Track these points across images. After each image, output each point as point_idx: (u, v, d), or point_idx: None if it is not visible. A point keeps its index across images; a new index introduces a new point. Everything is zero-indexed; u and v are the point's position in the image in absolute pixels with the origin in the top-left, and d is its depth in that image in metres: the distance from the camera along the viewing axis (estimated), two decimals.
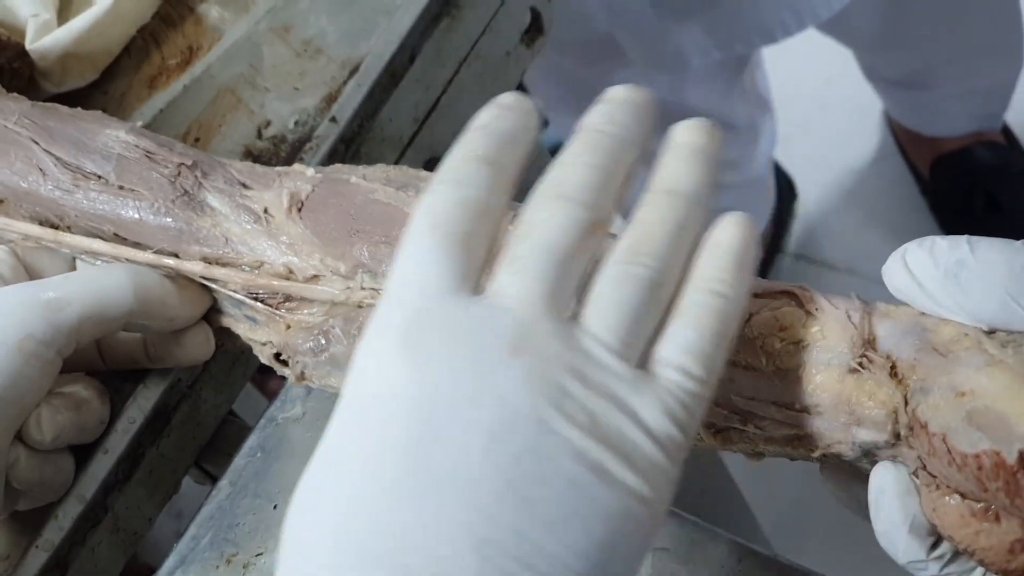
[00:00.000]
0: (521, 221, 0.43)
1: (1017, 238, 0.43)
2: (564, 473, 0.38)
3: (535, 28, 0.76)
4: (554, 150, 1.68)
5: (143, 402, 0.60)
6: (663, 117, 1.40)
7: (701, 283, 0.43)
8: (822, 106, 1.85)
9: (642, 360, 0.41)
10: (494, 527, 0.37)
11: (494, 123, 0.45)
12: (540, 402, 0.39)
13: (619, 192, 0.44)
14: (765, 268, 1.73)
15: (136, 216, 0.57)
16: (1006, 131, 1.70)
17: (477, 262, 0.42)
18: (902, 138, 1.76)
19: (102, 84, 0.72)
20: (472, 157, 0.43)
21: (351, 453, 0.40)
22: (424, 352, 0.40)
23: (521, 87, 0.78)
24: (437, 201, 0.42)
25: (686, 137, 0.45)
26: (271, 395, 0.64)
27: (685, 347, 0.41)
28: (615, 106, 0.45)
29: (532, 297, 0.41)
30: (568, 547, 0.38)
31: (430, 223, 0.42)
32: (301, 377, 0.56)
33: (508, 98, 0.45)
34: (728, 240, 0.43)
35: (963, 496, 0.42)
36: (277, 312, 0.56)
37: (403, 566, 0.37)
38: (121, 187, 0.58)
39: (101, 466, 0.59)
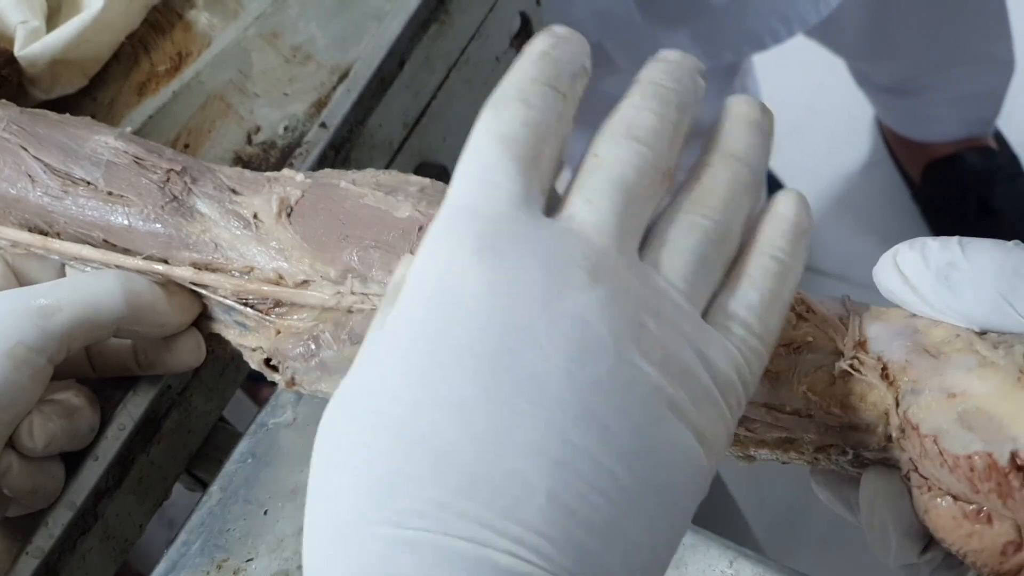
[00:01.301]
0: (593, 154, 0.42)
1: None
2: (642, 405, 0.38)
3: (525, 33, 0.76)
4: None
5: (133, 409, 0.60)
6: None
7: (763, 248, 0.43)
8: (813, 113, 1.85)
9: (704, 312, 0.42)
10: (571, 451, 0.37)
11: (554, 51, 0.44)
12: (619, 331, 0.38)
13: (680, 149, 0.44)
14: None
15: (125, 222, 0.57)
16: (997, 136, 1.71)
17: (546, 183, 0.41)
18: (893, 144, 1.76)
19: (91, 90, 0.72)
20: (539, 80, 0.42)
21: (419, 356, 0.38)
22: (503, 262, 0.39)
23: None
24: (506, 116, 0.41)
25: (746, 109, 0.46)
26: (262, 402, 0.64)
27: (748, 305, 0.42)
28: (675, 66, 0.45)
29: (608, 228, 0.40)
30: (640, 481, 0.37)
31: (500, 136, 0.41)
32: (291, 383, 0.55)
33: (563, 30, 0.44)
34: (787, 211, 0.45)
35: (955, 498, 0.42)
36: (267, 318, 0.55)
37: (470, 476, 0.36)
38: (110, 193, 0.57)
39: (91, 473, 0.59)
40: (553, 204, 0.42)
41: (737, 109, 0.46)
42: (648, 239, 0.42)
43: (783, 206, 0.45)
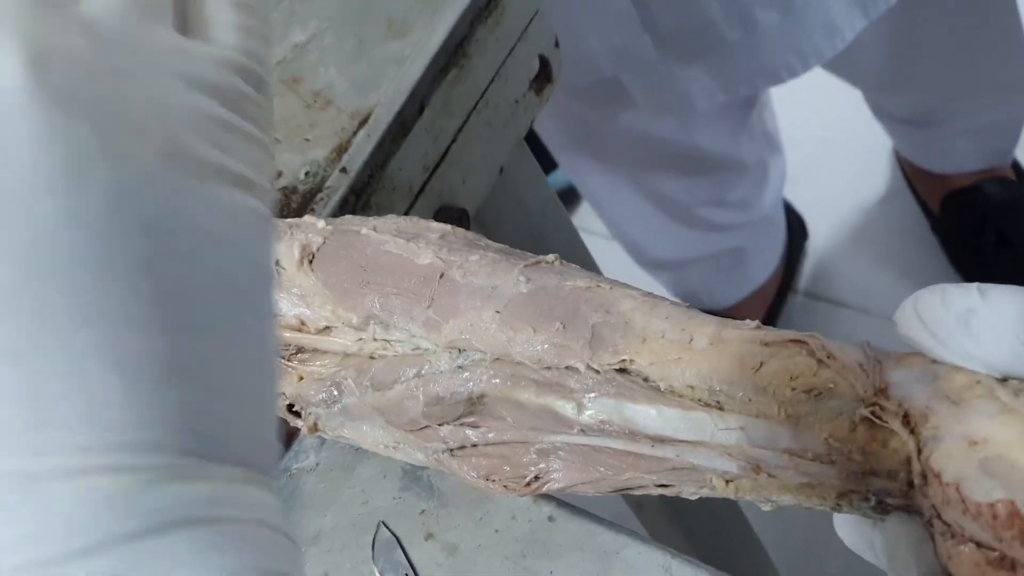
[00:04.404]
0: None
1: None
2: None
3: (544, 76, 0.77)
4: (562, 192, 1.69)
5: None
6: (673, 157, 1.40)
7: None
8: (831, 145, 1.85)
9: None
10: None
11: None
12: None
13: None
14: (777, 307, 1.73)
15: None
16: (1016, 167, 1.71)
17: None
18: (911, 175, 1.76)
19: None
20: None
21: None
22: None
23: (529, 129, 0.78)
24: None
25: None
26: (288, 437, 0.64)
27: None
28: None
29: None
30: (165, 292, 0.31)
31: None
32: (314, 428, 0.56)
33: None
34: None
35: (978, 545, 0.42)
36: (290, 364, 0.56)
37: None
38: None
39: None
40: None
41: None
42: None
43: None
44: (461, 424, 0.53)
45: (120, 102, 0.32)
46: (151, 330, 0.31)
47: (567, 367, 0.50)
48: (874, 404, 0.44)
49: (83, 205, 0.30)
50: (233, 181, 0.33)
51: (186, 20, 0.36)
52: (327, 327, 0.54)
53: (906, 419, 0.43)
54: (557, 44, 0.77)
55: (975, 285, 0.43)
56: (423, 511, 0.59)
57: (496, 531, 0.58)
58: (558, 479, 0.52)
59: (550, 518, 0.58)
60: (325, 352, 0.55)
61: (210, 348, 0.32)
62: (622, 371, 0.49)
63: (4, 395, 0.30)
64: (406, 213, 0.67)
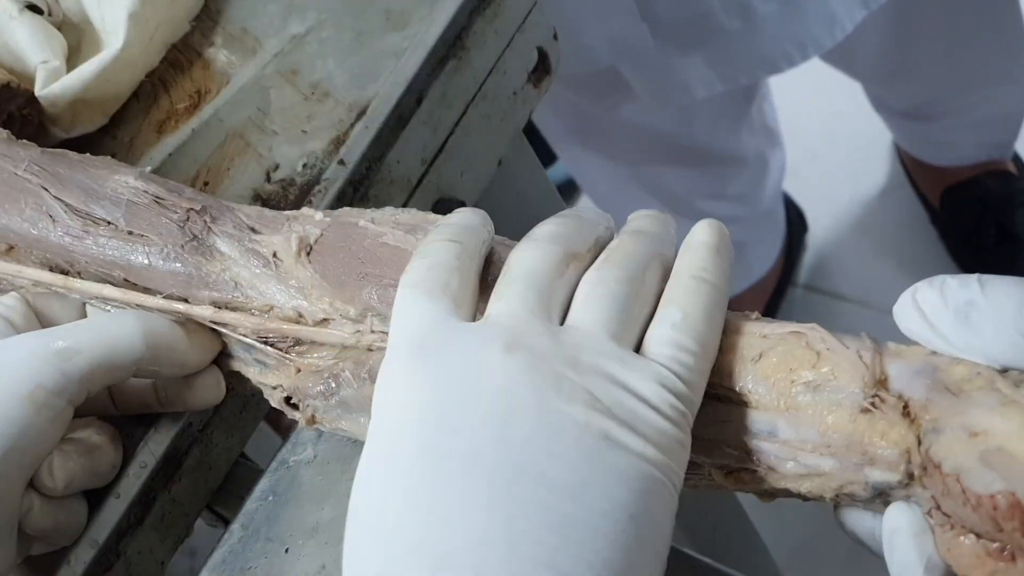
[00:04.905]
0: (505, 265, 0.48)
1: None
2: (573, 444, 0.41)
3: (542, 68, 0.76)
4: (562, 185, 1.69)
5: (155, 447, 0.60)
6: (673, 150, 1.40)
7: (683, 272, 0.47)
8: (831, 137, 1.85)
9: (636, 346, 0.45)
10: (517, 503, 0.40)
11: (455, 217, 0.52)
12: (540, 387, 0.42)
13: (594, 242, 0.49)
14: (776, 300, 1.73)
15: (146, 261, 0.57)
16: (1016, 160, 1.70)
17: (464, 301, 0.47)
18: (911, 168, 1.76)
19: (111, 129, 0.72)
20: (436, 239, 0.50)
21: (378, 462, 0.43)
22: (427, 363, 0.44)
23: (528, 121, 0.78)
24: (412, 271, 0.48)
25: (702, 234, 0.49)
26: (284, 431, 0.64)
27: (672, 324, 0.45)
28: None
29: (519, 312, 0.45)
30: (592, 510, 0.40)
31: (409, 284, 0.48)
32: (312, 420, 0.56)
33: (465, 210, 0.53)
34: (703, 236, 0.48)
35: (978, 536, 0.42)
36: (287, 356, 0.56)
37: (440, 554, 0.39)
38: (131, 233, 0.58)
39: (113, 511, 0.59)
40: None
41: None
42: (571, 307, 0.46)
43: (699, 234, 0.48)
44: None
45: None
46: None
47: None
48: (874, 396, 0.44)
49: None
50: (640, 456, 0.42)
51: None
52: (325, 319, 0.54)
53: (906, 410, 0.43)
54: (555, 36, 0.77)
55: (975, 277, 0.43)
56: None
57: None
58: None
59: None
60: (323, 344, 0.55)
61: None
62: None
63: None
64: (404, 205, 0.67)
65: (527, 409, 0.42)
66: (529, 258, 0.47)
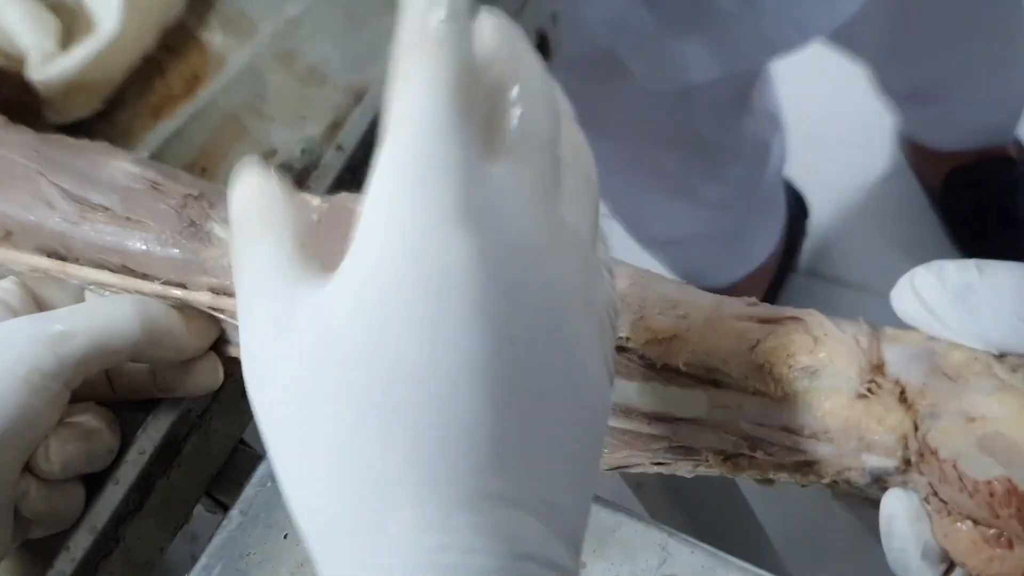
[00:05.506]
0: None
1: None
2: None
3: (542, 51, 0.76)
4: None
5: (153, 432, 0.60)
6: (673, 134, 1.39)
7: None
8: (832, 122, 1.84)
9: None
10: None
11: None
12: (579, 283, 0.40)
13: None
14: (777, 286, 1.73)
15: (143, 247, 0.57)
16: (1017, 145, 1.70)
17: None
18: (913, 153, 1.76)
19: (107, 114, 0.72)
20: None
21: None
22: (482, 230, 0.38)
23: None
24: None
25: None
26: None
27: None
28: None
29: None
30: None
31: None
32: None
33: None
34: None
35: (975, 522, 0.42)
36: None
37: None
38: (128, 218, 0.58)
39: (112, 497, 0.59)
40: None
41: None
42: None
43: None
44: None
45: None
46: None
47: None
48: (871, 381, 0.44)
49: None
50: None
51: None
52: None
53: (903, 396, 0.43)
54: (555, 20, 0.76)
55: (973, 261, 0.43)
56: None
57: None
58: None
59: None
60: None
61: None
62: (619, 349, 0.49)
63: None
64: None
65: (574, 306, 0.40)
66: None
